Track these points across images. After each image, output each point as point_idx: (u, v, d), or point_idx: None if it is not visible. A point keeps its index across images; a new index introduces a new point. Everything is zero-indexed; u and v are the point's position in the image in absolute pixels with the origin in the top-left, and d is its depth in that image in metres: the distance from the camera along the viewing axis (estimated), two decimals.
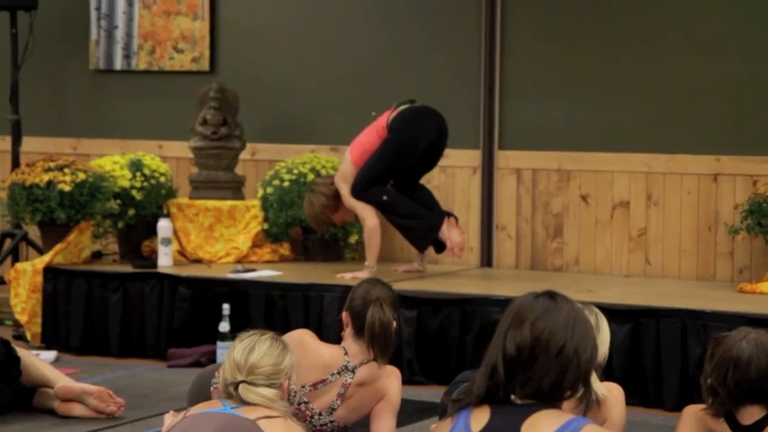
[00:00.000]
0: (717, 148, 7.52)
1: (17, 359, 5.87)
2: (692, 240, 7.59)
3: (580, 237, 7.85)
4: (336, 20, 8.42)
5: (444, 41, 8.12)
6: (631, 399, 5.28)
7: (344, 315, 5.04)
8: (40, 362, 6.04)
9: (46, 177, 7.66)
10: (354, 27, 8.38)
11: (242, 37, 8.65)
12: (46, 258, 7.66)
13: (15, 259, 8.40)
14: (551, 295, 3.06)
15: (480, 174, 8.05)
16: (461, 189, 8.12)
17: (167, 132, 8.77)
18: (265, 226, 8.06)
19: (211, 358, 6.94)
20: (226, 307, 6.88)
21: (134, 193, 7.98)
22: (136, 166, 8.06)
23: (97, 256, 8.10)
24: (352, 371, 4.97)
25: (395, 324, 5.00)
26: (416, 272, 7.64)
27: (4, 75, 8.66)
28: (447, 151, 7.58)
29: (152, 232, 7.92)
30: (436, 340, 6.78)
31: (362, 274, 7.09)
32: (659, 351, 6.32)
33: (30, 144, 8.71)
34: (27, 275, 7.61)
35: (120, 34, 8.93)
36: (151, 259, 7.79)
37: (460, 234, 7.49)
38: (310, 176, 7.89)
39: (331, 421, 4.99)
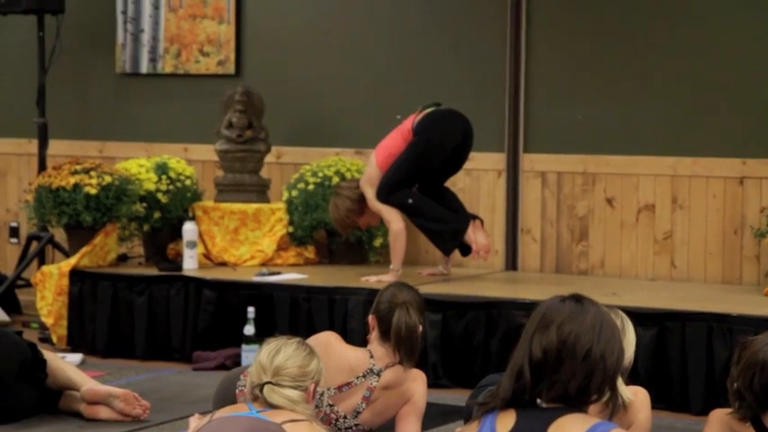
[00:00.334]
0: (743, 151, 7.49)
1: (43, 362, 5.90)
2: (717, 244, 7.56)
3: (605, 240, 7.83)
4: (362, 23, 8.43)
5: (469, 44, 8.12)
6: (657, 403, 5.27)
7: (371, 318, 5.05)
8: (66, 365, 6.06)
9: (72, 180, 7.69)
10: (379, 30, 8.38)
11: (267, 40, 8.67)
12: (72, 261, 7.69)
13: (42, 262, 8.44)
14: (578, 298, 3.06)
15: (505, 177, 8.04)
16: (486, 192, 8.11)
17: (193, 135, 8.80)
18: (290, 229, 8.07)
19: (236, 361, 6.95)
20: (251, 310, 6.89)
21: (160, 196, 8.00)
22: (161, 169, 8.09)
23: (123, 258, 8.12)
24: (378, 374, 4.97)
25: (421, 328, 5.01)
26: (441, 275, 7.64)
27: (31, 78, 8.70)
28: (472, 154, 7.58)
29: (177, 235, 7.94)
30: (461, 343, 6.77)
31: (387, 278, 7.09)
32: (685, 355, 6.30)
33: (56, 147, 8.75)
34: (53, 278, 7.65)
35: (146, 38, 8.96)
36: (176, 262, 7.81)
37: (486, 237, 7.49)
38: (335, 179, 7.90)
39: (356, 424, 4.99)
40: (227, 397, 4.99)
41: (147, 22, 8.96)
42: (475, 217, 7.51)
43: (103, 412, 5.83)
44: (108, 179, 7.73)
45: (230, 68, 8.74)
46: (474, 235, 7.40)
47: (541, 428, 2.95)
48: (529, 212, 8.01)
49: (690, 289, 7.30)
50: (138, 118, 9.03)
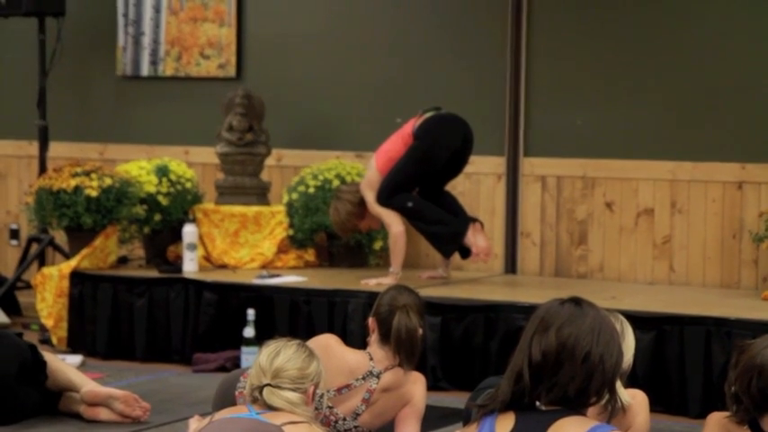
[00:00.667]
0: (742, 155, 7.51)
1: (43, 363, 5.91)
2: (716, 248, 7.58)
3: (604, 244, 7.85)
4: (362, 26, 8.44)
5: (469, 48, 8.14)
6: (655, 406, 5.28)
7: (371, 321, 5.07)
8: (66, 366, 6.07)
9: (73, 182, 7.70)
10: (380, 34, 8.40)
11: (268, 43, 8.69)
12: (72, 263, 7.71)
13: (42, 264, 8.45)
14: (577, 301, 3.08)
15: (505, 180, 8.06)
16: (486, 196, 8.13)
17: (193, 138, 8.81)
18: (290, 232, 8.08)
19: (236, 363, 6.97)
20: (251, 312, 6.91)
21: (160, 198, 8.02)
22: (162, 172, 8.10)
23: (123, 261, 8.14)
24: (378, 376, 4.99)
25: (421, 331, 5.02)
26: (441, 278, 7.65)
27: (32, 80, 8.71)
28: (472, 158, 7.59)
29: (178, 238, 7.95)
30: (460, 346, 6.79)
31: (387, 281, 7.10)
32: (683, 358, 6.31)
33: (57, 149, 8.76)
34: (53, 280, 7.66)
35: (147, 40, 8.98)
36: (176, 264, 7.83)
37: (486, 240, 7.50)
38: (335, 183, 7.92)
39: (355, 426, 5.00)
40: (226, 399, 5.00)
41: (147, 25, 8.97)
42: (475, 220, 7.53)
43: (103, 414, 5.84)
44: (108, 181, 7.75)
45: (231, 71, 8.75)
46: (474, 238, 7.41)
47: (540, 431, 2.97)
48: (528, 216, 8.03)
49: (688, 293, 7.32)
50: (138, 121, 9.04)
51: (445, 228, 7.44)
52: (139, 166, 8.13)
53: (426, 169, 7.42)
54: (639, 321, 6.04)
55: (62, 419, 5.86)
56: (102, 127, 9.14)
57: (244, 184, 8.20)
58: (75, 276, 7.64)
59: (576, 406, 3.01)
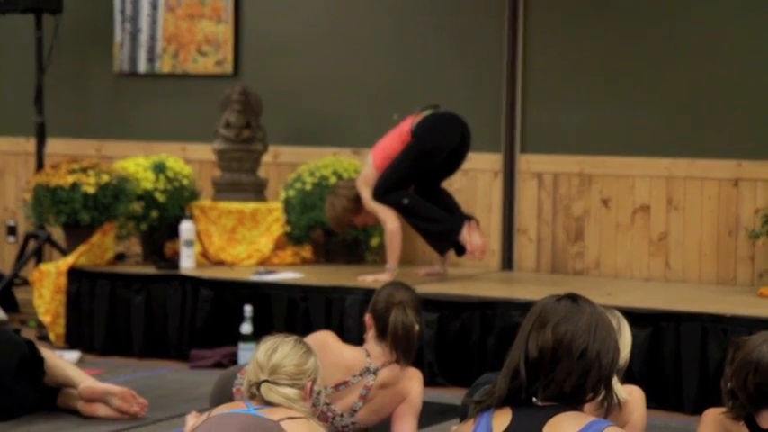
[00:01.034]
0: (738, 152, 7.52)
1: (41, 360, 5.92)
2: (712, 245, 7.60)
3: (601, 241, 7.86)
4: (359, 23, 8.45)
5: (466, 45, 8.15)
6: (651, 402, 5.29)
7: (367, 317, 5.08)
8: (63, 362, 6.08)
9: (70, 179, 7.71)
10: (377, 31, 8.41)
11: (265, 40, 8.69)
12: (69, 260, 7.71)
13: (39, 260, 8.46)
14: (573, 298, 3.08)
15: (501, 177, 8.07)
16: (483, 192, 8.14)
17: (190, 135, 8.82)
18: (287, 228, 8.09)
19: (233, 359, 6.98)
20: (248, 309, 6.92)
21: (157, 195, 8.03)
22: (159, 169, 8.11)
23: (120, 257, 8.15)
24: (374, 372, 5.00)
25: (417, 327, 5.03)
26: (437, 275, 7.66)
27: (29, 77, 8.72)
28: (468, 155, 7.60)
29: (175, 234, 7.96)
30: (457, 343, 6.80)
31: (384, 277, 7.12)
32: (679, 354, 6.33)
33: (54, 146, 8.77)
34: (51, 277, 7.67)
35: (144, 37, 8.98)
36: (174, 261, 7.84)
37: (482, 237, 7.51)
38: (332, 179, 7.93)
39: (353, 422, 5.02)
40: (224, 395, 5.01)
41: (145, 22, 8.98)
42: (470, 217, 7.54)
43: (101, 410, 5.85)
44: (106, 178, 7.75)
45: (228, 68, 8.76)
46: (469, 235, 7.42)
47: (537, 427, 2.97)
48: (525, 213, 8.04)
49: (684, 289, 7.33)
50: (135, 117, 9.05)
51: (440, 225, 7.45)
52: (136, 163, 8.14)
53: (423, 167, 7.43)
54: (636, 318, 6.06)
55: (60, 415, 5.87)
56: (99, 124, 9.14)
57: (241, 181, 8.21)
58: (73, 273, 7.65)
59: (572, 402, 3.02)
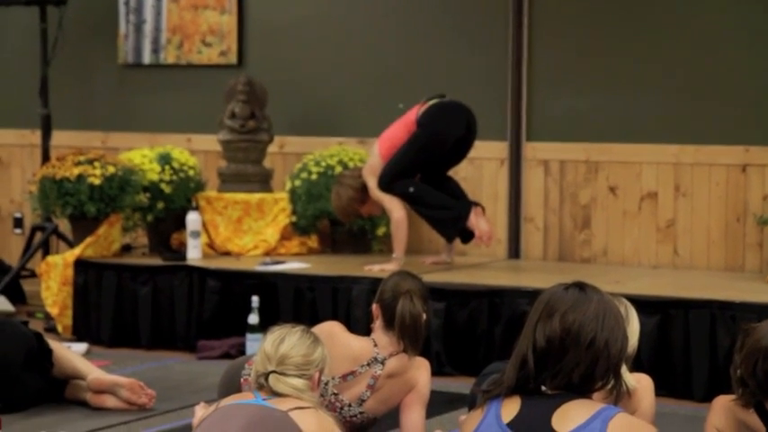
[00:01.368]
0: (745, 138, 7.50)
1: (49, 351, 5.92)
2: (720, 231, 7.58)
3: (608, 228, 7.85)
4: (364, 12, 8.43)
5: (472, 33, 8.13)
6: (660, 389, 5.27)
7: (375, 307, 5.06)
8: (71, 354, 6.09)
9: (76, 171, 7.70)
10: (382, 19, 8.39)
11: (269, 30, 8.68)
12: (76, 251, 7.71)
13: (46, 252, 8.46)
14: (581, 287, 3.08)
15: (508, 165, 8.06)
16: (489, 181, 8.12)
17: (196, 126, 8.81)
18: (293, 218, 8.09)
19: (241, 350, 6.97)
20: (254, 299, 6.91)
21: (163, 186, 8.02)
22: (165, 160, 8.10)
23: (127, 249, 8.15)
24: (382, 362, 4.99)
25: (425, 316, 5.02)
26: (444, 263, 7.65)
27: (33, 69, 8.71)
28: (474, 143, 7.58)
29: (181, 225, 7.96)
30: (464, 332, 6.79)
31: (390, 267, 7.11)
32: (688, 342, 6.32)
33: (59, 138, 8.77)
34: (58, 268, 7.67)
35: (148, 28, 8.97)
36: (180, 252, 7.83)
37: (488, 223, 7.50)
38: (338, 169, 7.92)
39: (361, 412, 5.01)
40: (231, 386, 5.00)
41: (149, 13, 8.96)
42: (476, 204, 7.52)
43: (109, 401, 5.85)
44: (111, 170, 7.75)
45: (232, 59, 8.75)
46: (476, 221, 7.41)
47: (546, 415, 2.97)
48: (531, 201, 8.03)
49: (693, 277, 7.32)
50: (140, 109, 9.04)
51: (447, 212, 7.44)
52: (142, 154, 8.14)
53: (429, 156, 7.42)
54: (644, 305, 6.04)
55: (68, 407, 5.87)
56: (104, 115, 9.14)
57: (246, 172, 8.20)
58: (80, 264, 7.65)
59: (581, 391, 3.02)
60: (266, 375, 3.92)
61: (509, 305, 6.69)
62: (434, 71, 8.14)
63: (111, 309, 7.54)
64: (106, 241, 7.83)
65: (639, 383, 4.43)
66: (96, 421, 5.66)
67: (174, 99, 8.95)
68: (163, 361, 7.10)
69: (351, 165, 7.96)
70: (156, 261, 7.68)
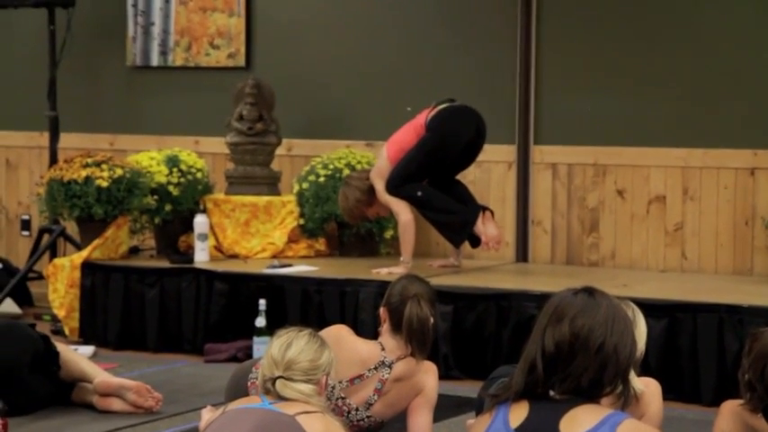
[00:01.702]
0: (754, 142, 7.49)
1: (56, 354, 5.92)
2: (728, 235, 7.56)
3: (616, 231, 7.84)
4: (372, 15, 8.43)
5: (480, 36, 8.12)
6: (668, 394, 5.26)
7: (382, 311, 5.06)
8: (78, 357, 6.09)
9: (83, 173, 7.71)
10: (390, 22, 8.38)
11: (278, 33, 8.68)
12: (84, 254, 7.72)
13: (53, 255, 8.46)
14: (590, 291, 3.07)
15: (516, 169, 8.05)
16: (497, 184, 8.12)
17: (203, 128, 8.81)
18: (301, 221, 8.08)
19: (248, 353, 6.97)
20: (262, 302, 6.90)
21: (171, 188, 8.02)
22: (172, 162, 8.10)
23: (134, 251, 8.15)
24: (390, 366, 4.98)
25: (432, 320, 5.02)
26: (452, 267, 7.64)
27: (42, 71, 8.72)
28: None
29: (189, 228, 7.96)
30: (472, 335, 6.79)
31: (398, 270, 7.10)
32: (696, 346, 6.30)
33: (67, 140, 8.77)
34: (65, 271, 7.67)
35: (156, 30, 8.97)
36: (188, 255, 7.83)
37: (496, 228, 7.49)
38: (346, 172, 7.91)
39: (368, 416, 5.01)
40: (239, 389, 5.00)
41: (157, 15, 8.97)
42: (485, 208, 7.52)
43: (116, 404, 5.85)
44: (119, 172, 7.75)
45: (241, 61, 8.75)
46: (484, 226, 7.40)
47: (554, 420, 2.96)
48: (539, 204, 8.02)
49: (701, 280, 7.31)
50: (148, 111, 9.04)
51: (454, 216, 7.43)
52: (150, 157, 8.14)
53: (437, 160, 7.41)
54: (651, 309, 6.03)
55: (75, 410, 5.88)
56: (112, 117, 9.14)
57: (254, 174, 8.20)
58: (87, 267, 7.65)
59: (589, 396, 3.01)
60: (273, 380, 3.91)
61: (517, 308, 6.68)
62: (443, 74, 8.14)
63: (119, 311, 7.54)
64: (113, 244, 7.83)
65: (647, 388, 4.42)
66: (103, 424, 5.66)
67: (181, 101, 8.95)
68: (170, 364, 7.10)
69: (358, 167, 7.95)
70: (164, 264, 7.68)
